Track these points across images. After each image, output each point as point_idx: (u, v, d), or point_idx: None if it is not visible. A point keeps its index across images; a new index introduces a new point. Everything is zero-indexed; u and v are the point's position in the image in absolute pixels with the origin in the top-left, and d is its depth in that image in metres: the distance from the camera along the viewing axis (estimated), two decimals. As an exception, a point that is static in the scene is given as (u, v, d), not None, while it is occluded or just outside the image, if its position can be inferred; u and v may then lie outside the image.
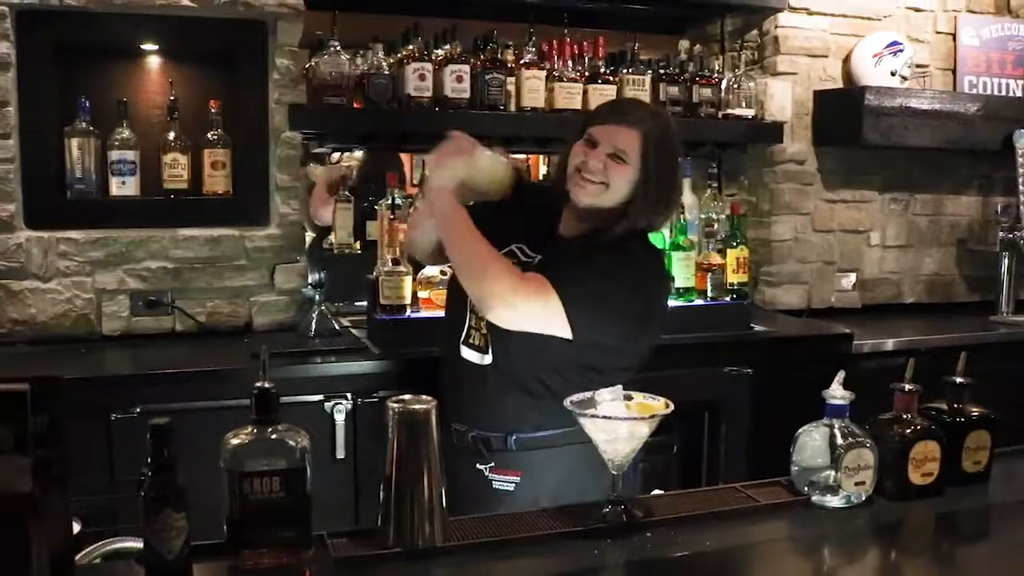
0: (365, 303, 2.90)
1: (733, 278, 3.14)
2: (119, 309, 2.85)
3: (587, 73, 3.22)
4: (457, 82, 3.02)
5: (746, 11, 3.64)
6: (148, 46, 2.93)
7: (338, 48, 2.97)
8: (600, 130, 1.99)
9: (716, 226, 3.22)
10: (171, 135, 2.90)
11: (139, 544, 1.29)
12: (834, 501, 1.59)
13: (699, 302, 3.10)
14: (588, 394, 1.55)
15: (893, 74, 3.58)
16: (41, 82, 2.75)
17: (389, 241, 2.71)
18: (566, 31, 3.24)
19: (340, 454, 2.56)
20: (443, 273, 2.61)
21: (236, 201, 2.96)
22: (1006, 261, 3.75)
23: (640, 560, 1.43)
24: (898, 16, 3.75)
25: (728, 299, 3.13)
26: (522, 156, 4.00)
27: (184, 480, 1.26)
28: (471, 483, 1.98)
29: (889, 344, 3.26)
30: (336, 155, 3.81)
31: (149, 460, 1.25)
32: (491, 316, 1.90)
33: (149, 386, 2.46)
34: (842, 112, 3.57)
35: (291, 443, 1.32)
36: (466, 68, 3.04)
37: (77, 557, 1.43)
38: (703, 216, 3.28)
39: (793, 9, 3.58)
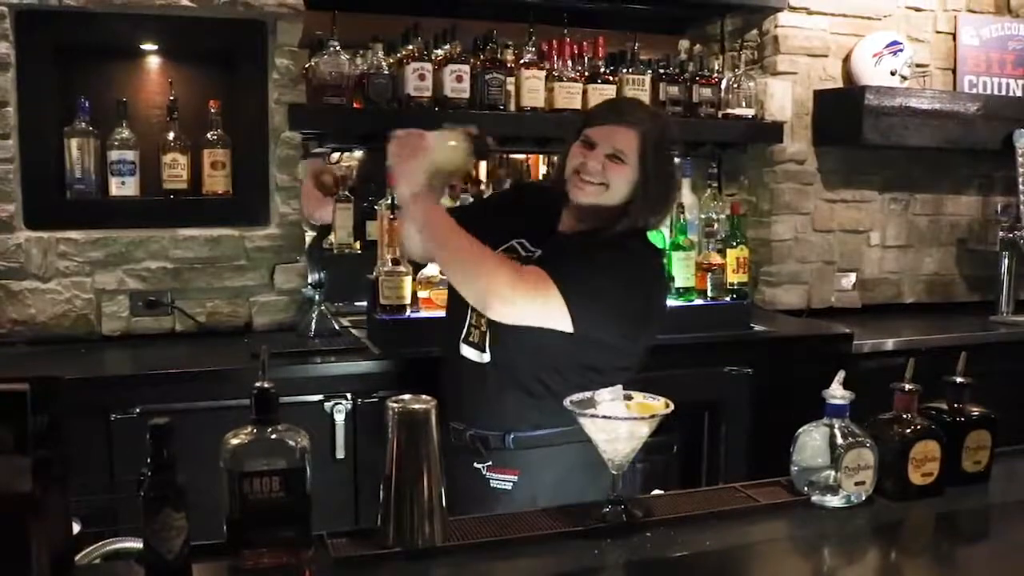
0: (365, 303, 2.90)
1: (733, 278, 3.14)
2: (119, 309, 2.85)
3: (587, 73, 3.22)
4: (457, 82, 3.02)
5: (746, 11, 3.64)
6: (148, 46, 2.93)
7: (338, 48, 2.97)
8: (598, 131, 1.99)
9: (716, 226, 3.22)
10: (171, 135, 2.90)
11: (139, 544, 1.29)
12: (834, 501, 1.59)
13: (699, 302, 3.10)
14: (588, 394, 1.55)
15: (893, 74, 3.58)
16: (41, 82, 2.75)
17: (389, 241, 2.71)
18: (566, 31, 3.24)
19: (340, 454, 2.56)
20: (443, 273, 2.61)
21: (236, 201, 2.96)
22: (1006, 261, 3.75)
23: (640, 560, 1.43)
24: (898, 16, 3.75)
25: (728, 299, 3.13)
26: (522, 156, 4.01)
27: (184, 480, 1.26)
28: (469, 482, 1.98)
29: (889, 344, 3.27)
30: (336, 155, 3.81)
31: (149, 460, 1.25)
32: (491, 313, 1.89)
33: (149, 386, 2.46)
34: (842, 112, 3.56)
35: (291, 443, 1.32)
36: (466, 68, 3.04)
37: (77, 557, 1.43)
38: (703, 216, 3.28)
39: (793, 9, 3.58)
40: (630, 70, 3.29)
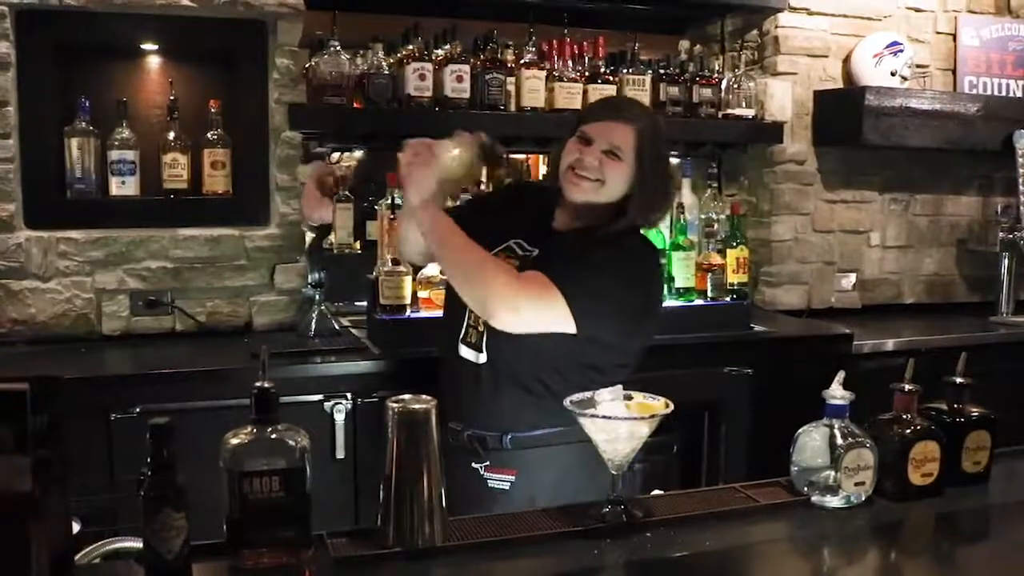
0: (365, 303, 2.90)
1: (733, 278, 3.14)
2: (119, 309, 2.85)
3: (587, 73, 3.22)
4: (457, 82, 3.02)
5: (746, 11, 3.64)
6: (148, 46, 2.93)
7: (338, 48, 2.97)
8: (595, 127, 1.99)
9: (716, 226, 3.22)
10: (171, 135, 2.90)
11: (139, 544, 1.29)
12: (834, 501, 1.59)
13: (699, 302, 3.09)
14: (588, 394, 1.55)
15: (893, 74, 3.58)
16: (41, 82, 2.75)
17: (389, 241, 2.71)
18: (566, 31, 3.24)
19: (340, 454, 2.56)
20: (443, 273, 2.61)
21: (236, 201, 2.96)
22: (1006, 261, 3.75)
23: (640, 560, 1.43)
24: (898, 16, 3.75)
25: (728, 299, 3.13)
26: (522, 156, 4.00)
27: (184, 480, 1.26)
28: (467, 482, 1.98)
29: (889, 344, 3.27)
30: (336, 155, 3.81)
31: (149, 460, 1.25)
32: (495, 321, 1.88)
33: (149, 386, 2.46)
34: (842, 112, 3.57)
35: (291, 443, 1.32)
36: (466, 68, 3.04)
37: (77, 557, 1.43)
38: (703, 216, 3.28)
39: (793, 9, 3.58)
40: (630, 70, 3.29)
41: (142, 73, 2.97)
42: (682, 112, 3.36)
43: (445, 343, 2.09)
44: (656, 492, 1.88)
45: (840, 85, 3.68)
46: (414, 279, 2.72)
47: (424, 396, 1.42)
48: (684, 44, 3.49)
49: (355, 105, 3.02)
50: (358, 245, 3.23)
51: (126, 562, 1.41)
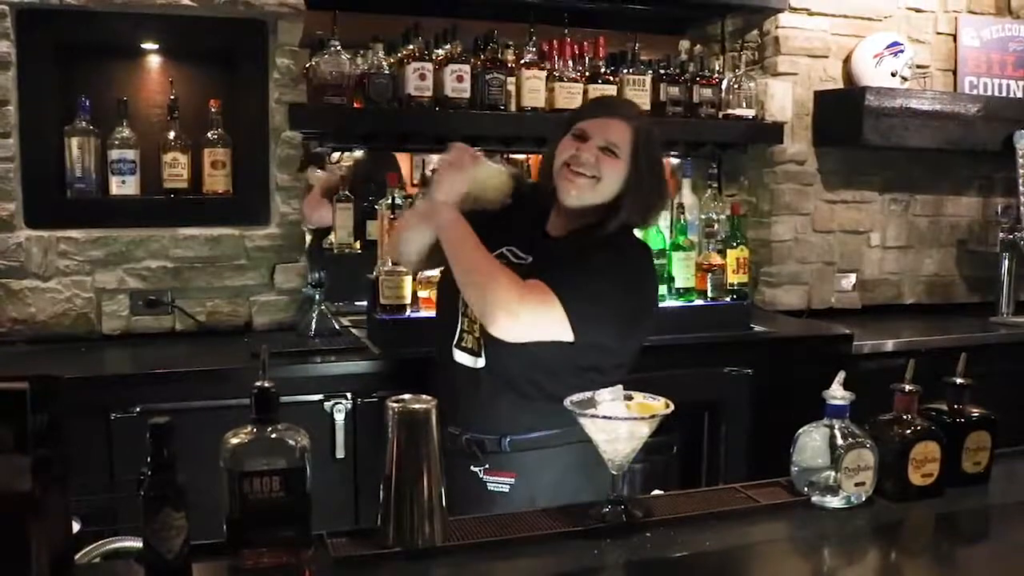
0: (365, 303, 2.90)
1: (733, 278, 3.14)
2: (119, 308, 2.85)
3: (587, 73, 3.22)
4: (457, 82, 3.02)
5: (746, 11, 3.64)
6: (148, 45, 2.94)
7: (338, 48, 2.97)
8: (591, 124, 1.98)
9: (716, 226, 3.22)
10: (171, 134, 2.90)
11: (139, 544, 1.29)
12: (834, 502, 1.59)
13: (699, 302, 3.09)
14: (588, 394, 1.55)
15: (893, 75, 3.58)
16: (41, 81, 2.75)
17: (388, 241, 2.71)
18: (566, 31, 3.24)
19: (340, 454, 2.56)
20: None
21: (236, 201, 2.96)
22: (1006, 262, 3.75)
23: (640, 560, 1.43)
24: (899, 17, 3.75)
25: (728, 299, 3.13)
26: (522, 156, 4.00)
27: (184, 480, 1.26)
28: (466, 485, 1.97)
29: (889, 345, 3.27)
30: (336, 155, 3.81)
31: (149, 460, 1.25)
32: (495, 328, 1.86)
33: (149, 386, 2.46)
34: (842, 112, 3.57)
35: (291, 443, 1.32)
36: (466, 68, 3.04)
37: (77, 556, 1.43)
38: (703, 216, 3.28)
39: (794, 9, 3.58)
40: (631, 70, 3.29)
41: (142, 72, 2.97)
42: (682, 112, 3.36)
43: (439, 347, 2.08)
44: (656, 492, 1.88)
45: (840, 85, 3.68)
46: (414, 279, 2.72)
47: (424, 396, 1.42)
48: (684, 44, 3.49)
49: (355, 105, 3.02)
50: (358, 245, 3.24)
51: (126, 562, 1.41)
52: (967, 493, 1.69)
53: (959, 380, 1.74)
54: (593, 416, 1.50)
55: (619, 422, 1.49)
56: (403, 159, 4.25)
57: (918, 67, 3.71)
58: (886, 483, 1.62)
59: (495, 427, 1.97)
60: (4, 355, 2.64)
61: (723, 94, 3.43)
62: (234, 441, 1.30)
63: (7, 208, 2.72)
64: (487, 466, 1.99)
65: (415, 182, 4.46)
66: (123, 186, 2.86)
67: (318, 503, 1.34)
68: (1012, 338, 3.49)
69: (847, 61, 3.67)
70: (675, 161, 3.79)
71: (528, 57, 3.16)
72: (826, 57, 3.66)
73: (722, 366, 2.97)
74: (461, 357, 2.00)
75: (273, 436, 1.32)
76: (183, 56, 2.99)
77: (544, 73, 3.15)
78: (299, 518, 1.32)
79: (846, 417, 1.60)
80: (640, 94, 3.25)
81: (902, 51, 3.60)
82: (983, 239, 3.96)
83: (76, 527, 1.46)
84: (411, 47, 3.07)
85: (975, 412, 1.73)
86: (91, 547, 1.56)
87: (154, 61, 2.97)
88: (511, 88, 3.12)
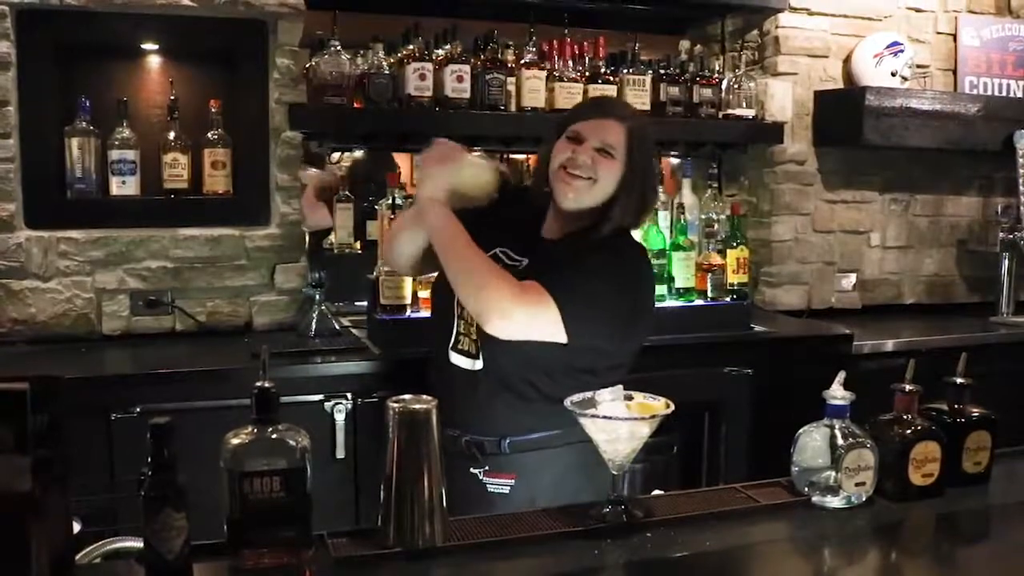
0: (365, 303, 2.90)
1: (733, 278, 3.14)
2: (119, 309, 2.85)
3: (587, 73, 3.22)
4: (457, 82, 3.02)
5: (746, 11, 3.64)
6: (148, 45, 2.93)
7: (338, 48, 2.97)
8: (586, 125, 1.98)
9: (716, 226, 3.22)
10: (171, 135, 2.90)
11: (139, 544, 1.29)
12: (834, 502, 1.59)
13: (699, 302, 3.09)
14: (588, 394, 1.55)
15: (894, 74, 3.58)
16: (41, 81, 2.75)
17: (388, 242, 2.71)
18: (566, 31, 3.24)
19: (340, 454, 2.56)
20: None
21: (236, 201, 2.96)
22: (1006, 262, 3.75)
23: (640, 560, 1.43)
24: (899, 16, 3.75)
25: (728, 299, 3.13)
26: (522, 156, 4.01)
27: (184, 480, 1.26)
28: (466, 487, 1.97)
29: (889, 345, 3.27)
30: (336, 155, 3.81)
31: (149, 460, 1.25)
32: (489, 327, 1.86)
33: (149, 386, 2.46)
34: (842, 112, 3.57)
35: (291, 443, 1.32)
36: (466, 68, 3.04)
37: (77, 557, 1.43)
38: (703, 216, 3.28)
39: (794, 9, 3.58)
40: (631, 70, 3.29)
41: (142, 73, 2.97)
42: (682, 112, 3.36)
43: (436, 351, 2.08)
44: (656, 492, 1.88)
45: (840, 85, 3.68)
46: (414, 279, 2.72)
47: (424, 396, 1.42)
48: (684, 44, 3.49)
49: (355, 105, 3.02)
50: (358, 245, 3.24)
51: (126, 562, 1.41)
52: (967, 493, 1.69)
53: (959, 380, 1.74)
54: (593, 416, 1.50)
55: (619, 422, 1.49)
56: (403, 159, 4.25)
57: (918, 67, 3.71)
58: (886, 483, 1.62)
59: (494, 428, 1.97)
60: (4, 355, 2.64)
61: (723, 94, 3.43)
62: (235, 441, 1.30)
63: (7, 208, 2.72)
64: (487, 468, 1.99)
65: (415, 182, 4.46)
66: (123, 186, 2.86)
67: (318, 503, 1.34)
68: (1012, 338, 3.49)
69: (847, 61, 3.67)
70: (675, 161, 3.79)
71: (528, 57, 3.16)
72: (826, 57, 3.66)
73: (722, 366, 2.97)
74: (458, 360, 1.99)
75: (273, 436, 1.32)
76: (183, 56, 2.99)
77: (544, 73, 3.15)
78: (299, 518, 1.32)
79: (846, 417, 1.60)
80: (640, 94, 3.25)
81: (902, 51, 3.60)
82: (983, 239, 3.96)
83: (76, 527, 1.46)
84: (411, 47, 3.07)
85: (975, 412, 1.73)
86: (91, 547, 1.56)
87: (154, 61, 2.97)
88: (511, 88, 3.12)
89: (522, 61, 3.15)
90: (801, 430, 1.64)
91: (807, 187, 3.67)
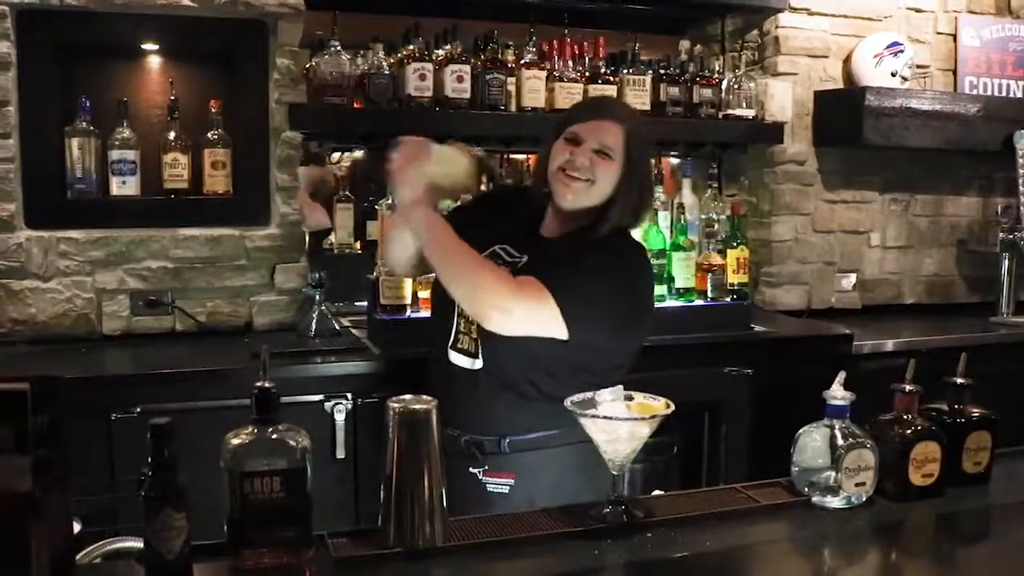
0: (365, 303, 2.90)
1: (733, 278, 3.14)
2: (119, 309, 2.85)
3: (587, 73, 3.22)
4: (458, 82, 3.02)
5: (746, 11, 3.65)
6: (148, 46, 2.94)
7: (338, 48, 2.97)
8: (584, 127, 1.98)
9: (716, 226, 3.22)
10: (171, 135, 2.90)
11: (139, 544, 1.29)
12: (834, 502, 1.59)
13: (699, 302, 3.10)
14: (588, 394, 1.55)
15: (894, 75, 3.58)
16: (41, 82, 2.75)
17: (388, 242, 2.70)
18: (566, 31, 3.24)
19: (340, 454, 2.56)
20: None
21: (236, 201, 2.96)
22: (1006, 262, 3.75)
23: (640, 560, 1.43)
24: (899, 17, 3.75)
25: (728, 299, 3.13)
26: (522, 156, 4.00)
27: (184, 480, 1.26)
28: (466, 487, 1.96)
29: (889, 345, 3.27)
30: (336, 155, 3.81)
31: (149, 460, 1.25)
32: (488, 324, 1.86)
33: (149, 386, 2.46)
34: (842, 112, 3.57)
35: (291, 443, 1.32)
36: (466, 68, 3.04)
37: (77, 557, 1.43)
38: (703, 216, 3.28)
39: (794, 9, 3.58)
40: (631, 70, 3.29)
41: (142, 73, 2.97)
42: (682, 112, 3.36)
43: (436, 350, 2.08)
44: (656, 492, 1.88)
45: (840, 85, 3.68)
46: (414, 279, 2.72)
47: (425, 396, 1.42)
48: (684, 44, 3.49)
49: (355, 105, 3.02)
50: (358, 245, 3.24)
51: (126, 562, 1.41)
52: (967, 493, 1.69)
53: (959, 380, 1.74)
54: (594, 416, 1.50)
55: (620, 422, 1.49)
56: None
57: (918, 67, 3.71)
58: (886, 483, 1.62)
59: (493, 428, 1.97)
60: (4, 355, 2.64)
61: (723, 94, 3.43)
62: (235, 441, 1.30)
63: (7, 208, 2.72)
64: (486, 467, 1.98)
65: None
66: (123, 186, 2.86)
67: (318, 503, 1.34)
68: (1012, 338, 3.49)
69: (847, 61, 3.67)
70: (675, 161, 3.79)
71: (528, 57, 3.16)
72: (826, 57, 3.66)
73: (722, 366, 2.97)
74: (458, 359, 1.99)
75: (274, 436, 1.32)
76: (183, 56, 2.99)
77: (544, 73, 3.15)
78: (300, 518, 1.32)
79: (846, 417, 1.60)
80: (640, 94, 3.25)
81: (902, 51, 3.60)
82: (983, 239, 3.96)
83: (77, 527, 1.46)
84: (411, 47, 3.07)
85: (975, 412, 1.73)
86: (92, 547, 1.56)
87: (154, 61, 2.97)
88: (511, 88, 3.12)
89: (522, 61, 3.15)
90: (801, 430, 1.64)
91: (807, 187, 3.67)
